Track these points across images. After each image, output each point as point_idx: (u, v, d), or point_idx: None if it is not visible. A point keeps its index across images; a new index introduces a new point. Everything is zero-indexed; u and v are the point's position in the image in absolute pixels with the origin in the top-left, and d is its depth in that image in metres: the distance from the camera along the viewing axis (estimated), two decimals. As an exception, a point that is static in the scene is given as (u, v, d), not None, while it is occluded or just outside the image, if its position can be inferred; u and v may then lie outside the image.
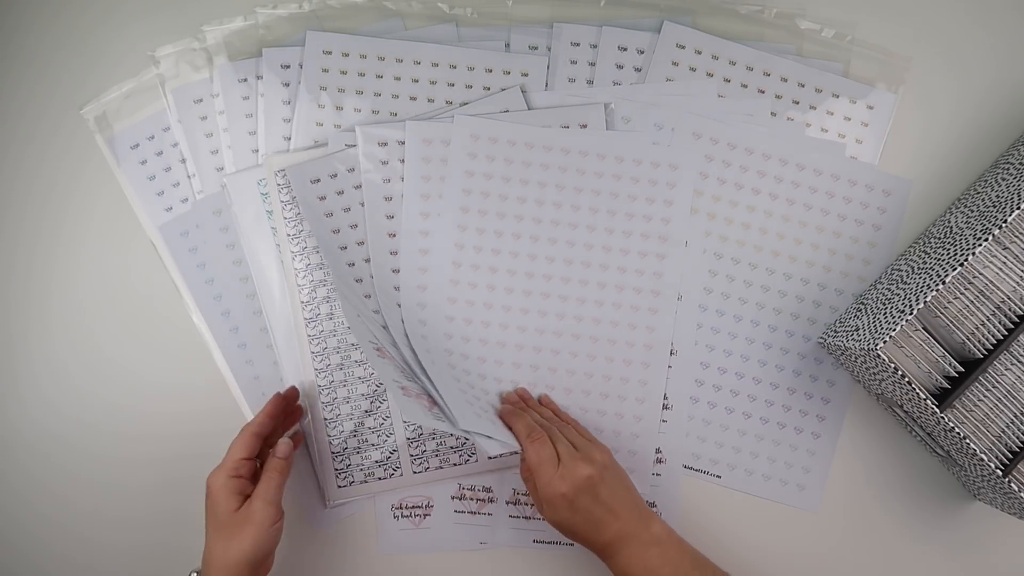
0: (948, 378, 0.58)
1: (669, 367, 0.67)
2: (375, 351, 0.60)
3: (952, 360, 0.58)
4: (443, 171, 0.67)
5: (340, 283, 0.64)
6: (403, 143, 0.67)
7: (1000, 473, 0.55)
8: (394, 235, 0.67)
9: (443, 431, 0.61)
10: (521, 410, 0.62)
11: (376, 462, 0.66)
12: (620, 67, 0.68)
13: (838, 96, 0.68)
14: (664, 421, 0.67)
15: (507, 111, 0.68)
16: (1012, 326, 0.58)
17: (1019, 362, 0.58)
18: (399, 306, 0.66)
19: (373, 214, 0.67)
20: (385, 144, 0.67)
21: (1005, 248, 0.58)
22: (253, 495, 0.57)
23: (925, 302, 0.56)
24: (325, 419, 0.66)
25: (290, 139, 0.68)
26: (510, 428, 0.60)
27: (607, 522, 0.56)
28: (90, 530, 0.67)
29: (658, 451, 0.67)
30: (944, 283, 0.56)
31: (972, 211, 0.63)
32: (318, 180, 0.67)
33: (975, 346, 0.58)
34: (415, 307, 0.66)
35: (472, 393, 0.64)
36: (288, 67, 0.68)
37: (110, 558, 0.67)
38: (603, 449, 0.60)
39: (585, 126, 0.67)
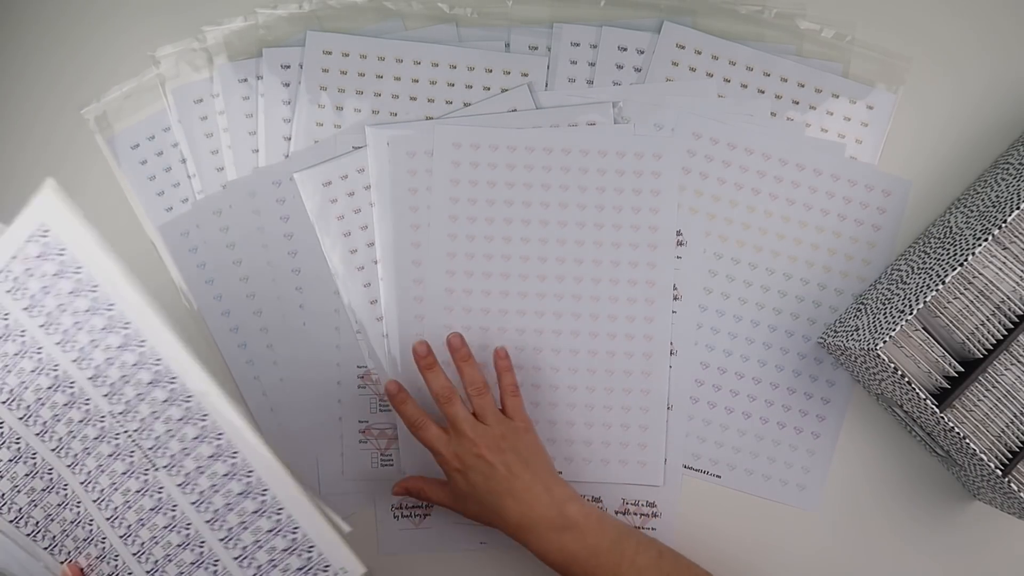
0: (948, 378, 0.58)
1: (669, 367, 0.67)
2: None
3: (952, 360, 0.58)
4: (428, 182, 0.67)
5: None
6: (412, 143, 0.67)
7: (1000, 473, 0.55)
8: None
9: None
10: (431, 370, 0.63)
11: None
12: (620, 67, 0.68)
13: (838, 96, 0.68)
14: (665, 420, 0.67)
15: (515, 110, 0.68)
16: (1012, 326, 0.58)
17: (1019, 362, 0.58)
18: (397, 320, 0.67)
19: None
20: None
21: (1005, 248, 0.58)
22: None
23: (925, 302, 0.56)
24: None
25: (290, 139, 0.68)
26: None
27: (506, 506, 0.58)
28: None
29: (658, 451, 0.67)
30: (944, 283, 0.56)
31: (972, 211, 0.63)
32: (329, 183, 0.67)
33: (975, 346, 0.58)
34: (412, 320, 0.67)
35: None
36: (288, 67, 0.68)
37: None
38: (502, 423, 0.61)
39: (593, 124, 0.67)
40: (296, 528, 0.51)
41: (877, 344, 0.56)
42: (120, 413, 0.51)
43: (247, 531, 0.51)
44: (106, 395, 0.51)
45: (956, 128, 0.68)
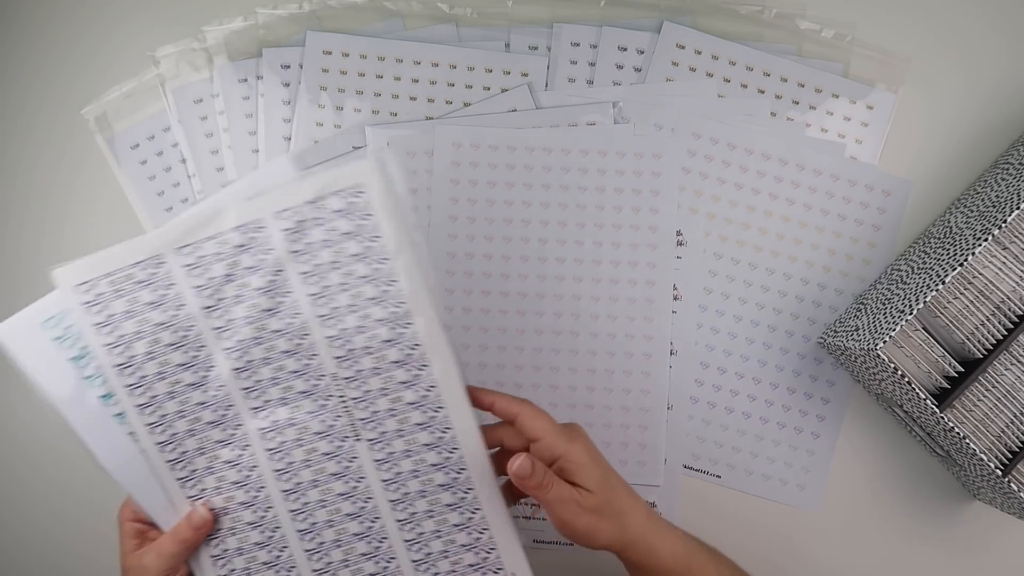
0: (948, 378, 0.58)
1: (669, 367, 0.67)
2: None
3: (952, 360, 0.58)
4: (428, 182, 0.67)
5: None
6: (412, 142, 0.67)
7: (1000, 473, 0.55)
8: None
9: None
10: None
11: None
12: (620, 67, 0.68)
13: (838, 96, 0.68)
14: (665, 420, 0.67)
15: (515, 110, 0.68)
16: (1012, 326, 0.58)
17: (1019, 362, 0.58)
18: None
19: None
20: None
21: (1005, 248, 0.58)
22: (152, 545, 0.50)
23: (925, 302, 0.56)
24: (213, 556, 0.51)
25: (290, 139, 0.68)
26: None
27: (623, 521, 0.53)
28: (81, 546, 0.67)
29: (658, 451, 0.67)
30: (944, 283, 0.56)
31: (972, 211, 0.63)
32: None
33: (975, 346, 0.58)
34: None
35: None
36: (288, 67, 0.68)
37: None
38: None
39: (593, 124, 0.67)
40: (485, 529, 0.50)
41: (877, 344, 0.56)
42: (344, 378, 0.49)
43: (432, 519, 0.50)
44: (338, 358, 0.49)
45: (956, 128, 0.68)
